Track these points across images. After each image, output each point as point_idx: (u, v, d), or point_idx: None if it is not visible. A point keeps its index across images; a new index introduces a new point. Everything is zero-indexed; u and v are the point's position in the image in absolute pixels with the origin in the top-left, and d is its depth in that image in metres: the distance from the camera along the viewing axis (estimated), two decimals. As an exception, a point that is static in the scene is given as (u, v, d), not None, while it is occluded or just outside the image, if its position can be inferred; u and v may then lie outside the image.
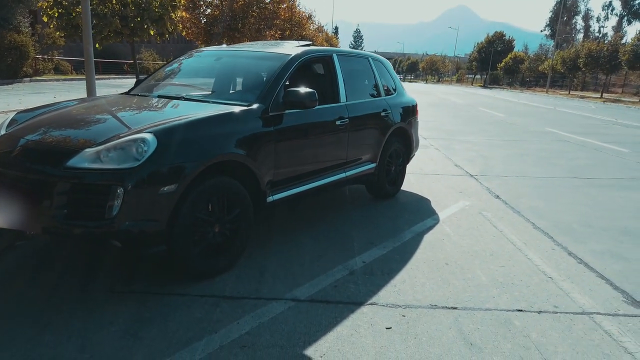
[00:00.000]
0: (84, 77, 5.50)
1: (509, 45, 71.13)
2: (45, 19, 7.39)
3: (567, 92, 45.75)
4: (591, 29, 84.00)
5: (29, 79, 22.20)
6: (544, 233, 4.58)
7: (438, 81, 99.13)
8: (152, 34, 8.81)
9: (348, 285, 3.33)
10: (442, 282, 3.46)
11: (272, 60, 4.18)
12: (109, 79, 29.17)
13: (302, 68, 4.28)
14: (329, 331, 2.74)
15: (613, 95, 40.80)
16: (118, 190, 2.74)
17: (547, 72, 50.52)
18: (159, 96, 4.09)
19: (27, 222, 2.85)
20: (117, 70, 35.56)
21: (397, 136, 5.59)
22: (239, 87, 4.33)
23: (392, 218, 4.89)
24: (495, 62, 67.32)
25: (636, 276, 3.65)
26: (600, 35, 78.59)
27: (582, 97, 38.12)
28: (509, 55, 63.78)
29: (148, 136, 2.90)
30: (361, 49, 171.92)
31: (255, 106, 3.65)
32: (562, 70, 46.87)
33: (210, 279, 3.29)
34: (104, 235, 2.80)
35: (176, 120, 3.17)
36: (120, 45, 32.45)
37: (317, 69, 4.80)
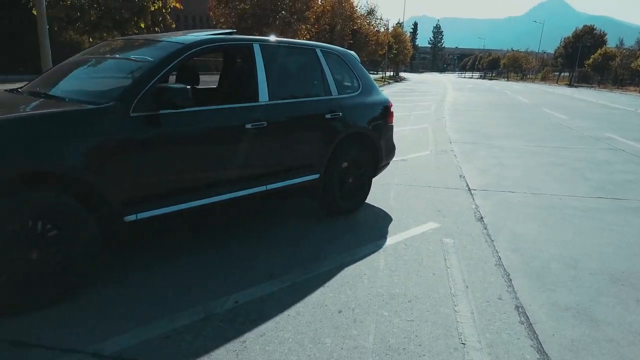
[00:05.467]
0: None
1: (600, 40, 65.04)
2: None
3: (665, 92, 40.80)
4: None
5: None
6: (504, 273, 3.54)
7: (521, 79, 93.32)
8: (143, 27, 8.46)
9: (184, 337, 2.61)
10: (311, 341, 2.62)
11: (159, 50, 3.53)
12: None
13: (199, 60, 3.60)
14: (87, 409, 2.05)
15: None
16: None
17: (640, 69, 45.52)
18: (29, 93, 3.58)
19: None
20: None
21: (355, 142, 4.72)
22: (118, 82, 3.70)
23: (324, 241, 4.06)
24: (583, 59, 61.82)
25: (591, 355, 2.58)
26: None
27: (680, 97, 33.68)
28: (598, 51, 58.25)
29: None
30: (440, 45, 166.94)
31: (108, 105, 3.00)
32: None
33: (24, 314, 2.71)
34: None
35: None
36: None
37: (227, 61, 4.08)
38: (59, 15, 7.79)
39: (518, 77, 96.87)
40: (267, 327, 2.73)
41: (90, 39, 8.31)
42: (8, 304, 2.68)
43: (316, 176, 4.35)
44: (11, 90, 3.81)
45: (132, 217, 3.10)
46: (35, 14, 6.85)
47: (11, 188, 2.60)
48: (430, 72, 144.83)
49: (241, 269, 3.46)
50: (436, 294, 3.20)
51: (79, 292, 2.96)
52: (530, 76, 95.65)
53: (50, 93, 3.43)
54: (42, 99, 3.33)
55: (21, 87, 3.89)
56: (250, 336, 2.65)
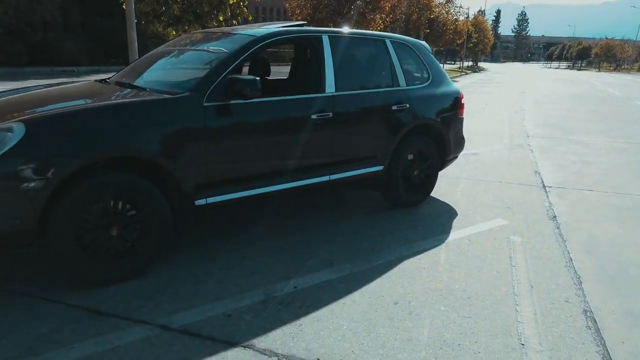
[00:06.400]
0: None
1: None
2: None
3: None
4: None
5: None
6: (574, 275, 3.36)
7: (615, 69, 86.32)
8: (222, 19, 8.79)
9: (244, 317, 2.75)
10: (365, 330, 2.67)
11: (233, 43, 3.68)
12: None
13: (269, 52, 3.72)
14: (154, 376, 2.24)
15: None
16: (-26, 184, 2.55)
17: None
18: (116, 83, 3.88)
19: None
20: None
21: (422, 134, 4.66)
22: (194, 73, 3.89)
23: (385, 232, 4.06)
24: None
25: (669, 365, 2.41)
26: None
27: None
28: None
29: (15, 125, 2.66)
30: (525, 33, 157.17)
31: (183, 95, 3.20)
32: None
33: (102, 286, 2.98)
34: (-40, 230, 2.66)
35: (64, 109, 2.89)
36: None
37: (297, 53, 4.16)
38: (146, 10, 8.36)
39: (611, 68, 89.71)
40: (323, 313, 2.81)
41: (174, 32, 8.82)
42: (90, 276, 2.95)
43: (380, 168, 4.35)
44: (100, 81, 4.16)
45: (202, 202, 3.30)
46: (125, 8, 7.36)
47: (97, 170, 2.87)
48: (513, 61, 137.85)
49: (302, 257, 3.56)
50: (498, 292, 3.11)
51: (151, 270, 3.19)
52: (626, 66, 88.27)
53: (133, 83, 3.70)
54: (126, 89, 3.60)
55: (109, 78, 4.22)
56: (305, 320, 2.73)
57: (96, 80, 4.22)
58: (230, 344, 2.50)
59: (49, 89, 3.95)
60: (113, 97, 3.38)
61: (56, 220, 2.73)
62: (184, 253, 3.52)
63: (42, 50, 19.61)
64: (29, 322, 2.60)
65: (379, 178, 4.40)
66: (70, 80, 8.75)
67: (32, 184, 2.62)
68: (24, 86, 4.30)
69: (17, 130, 2.64)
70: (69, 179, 2.73)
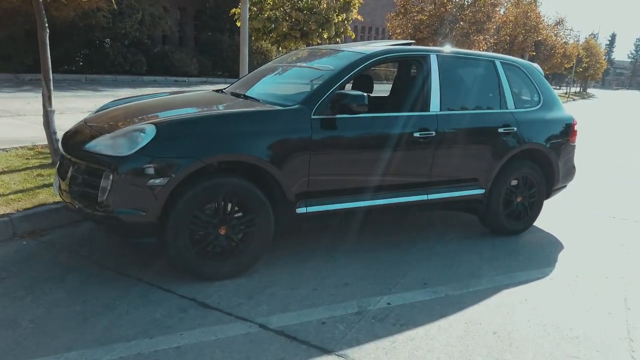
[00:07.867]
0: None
1: None
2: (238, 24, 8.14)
3: None
4: None
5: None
6: (702, 328, 3.01)
7: None
8: (326, 37, 9.04)
9: (338, 326, 2.79)
10: (461, 356, 2.58)
11: (341, 60, 3.80)
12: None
13: (377, 69, 3.77)
14: (253, 372, 2.33)
15: None
16: (110, 176, 2.86)
17: None
18: (231, 93, 4.15)
19: (64, 196, 3.23)
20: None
21: (528, 160, 4.45)
22: (303, 87, 4.05)
23: (483, 259, 3.91)
24: None
25: None
26: None
27: None
28: None
29: (148, 127, 2.95)
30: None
31: (294, 107, 3.36)
32: None
33: (208, 281, 3.17)
34: (94, 217, 2.97)
35: (190, 114, 3.16)
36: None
37: (401, 71, 4.17)
38: (257, 26, 8.89)
39: None
40: (417, 333, 2.77)
41: (280, 48, 9.25)
42: (198, 270, 3.16)
43: (481, 191, 4.21)
44: (217, 91, 4.47)
45: (302, 210, 3.41)
46: (239, 25, 7.85)
47: (213, 172, 3.09)
48: (627, 89, 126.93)
49: (396, 274, 3.53)
50: (609, 334, 2.87)
51: (252, 270, 3.35)
52: None
53: (247, 94, 3.94)
54: (241, 99, 3.85)
55: (225, 89, 4.53)
56: (399, 338, 2.71)
57: (213, 90, 4.55)
58: (325, 350, 2.55)
59: (172, 96, 4.33)
60: (230, 106, 3.63)
61: (174, 216, 2.96)
62: (280, 257, 3.64)
63: (159, 61, 21.44)
64: (145, 306, 2.83)
65: (478, 202, 4.26)
66: (182, 89, 9.48)
67: (158, 180, 2.88)
68: (143, 93, 4.73)
69: (149, 131, 2.92)
70: (188, 178, 2.96)
